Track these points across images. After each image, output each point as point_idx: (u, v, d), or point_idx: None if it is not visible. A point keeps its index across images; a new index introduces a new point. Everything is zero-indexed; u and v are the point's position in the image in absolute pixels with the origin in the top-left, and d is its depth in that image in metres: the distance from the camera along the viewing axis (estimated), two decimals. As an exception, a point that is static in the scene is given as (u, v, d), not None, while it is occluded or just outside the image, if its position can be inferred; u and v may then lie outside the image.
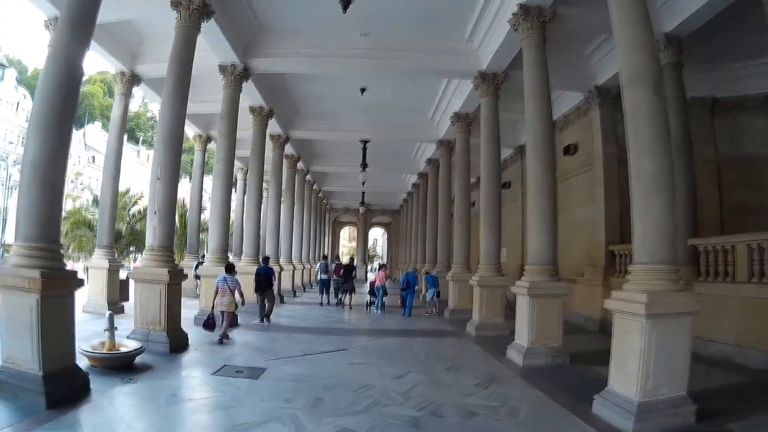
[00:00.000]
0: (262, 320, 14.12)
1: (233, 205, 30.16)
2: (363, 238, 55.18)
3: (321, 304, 19.99)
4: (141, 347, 8.42)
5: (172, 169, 10.33)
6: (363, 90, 17.74)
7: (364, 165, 23.07)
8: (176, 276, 9.96)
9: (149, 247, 10.09)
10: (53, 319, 6.31)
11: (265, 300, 14.37)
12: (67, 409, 6.01)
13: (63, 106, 6.76)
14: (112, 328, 8.24)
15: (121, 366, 7.96)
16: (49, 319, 6.22)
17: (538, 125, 10.51)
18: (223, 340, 10.86)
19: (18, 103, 59.31)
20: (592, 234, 15.56)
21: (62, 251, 6.84)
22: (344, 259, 25.21)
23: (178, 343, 9.73)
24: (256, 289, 14.36)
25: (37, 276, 6.09)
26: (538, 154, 10.44)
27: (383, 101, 19.22)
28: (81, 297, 14.32)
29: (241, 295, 11.79)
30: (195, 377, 7.97)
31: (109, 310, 12.94)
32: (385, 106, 19.82)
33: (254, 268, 15.29)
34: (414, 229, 32.01)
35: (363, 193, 36.36)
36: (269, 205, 20.89)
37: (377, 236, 76.11)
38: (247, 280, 15.57)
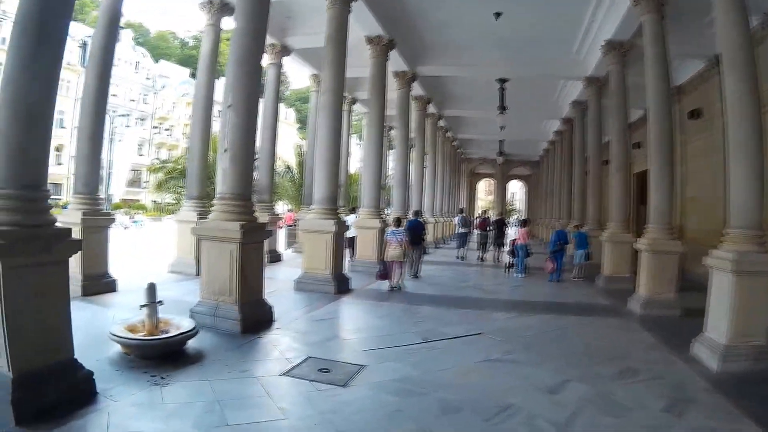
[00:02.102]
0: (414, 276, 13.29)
1: (360, 153, 28.34)
2: (500, 191, 51.06)
3: (457, 257, 19.10)
4: (192, 329, 6.29)
5: (247, 95, 7.92)
6: (498, 15, 14.44)
7: (502, 107, 19.77)
8: (253, 233, 7.71)
9: (219, 195, 7.94)
10: (27, 299, 4.30)
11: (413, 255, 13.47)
12: (40, 429, 4.06)
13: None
14: (153, 304, 6.18)
15: (161, 355, 5.90)
16: (17, 298, 4.21)
17: (735, 32, 7.07)
18: (394, 288, 11.41)
19: (137, 63, 61.41)
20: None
21: (49, 200, 4.76)
22: (490, 214, 22.97)
23: (254, 320, 7.56)
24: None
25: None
26: (738, 74, 7.01)
27: (520, 31, 15.53)
28: (168, 255, 13.05)
29: (408, 246, 12.09)
30: (256, 378, 5.63)
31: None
32: (522, 38, 16.12)
33: (374, 223, 13.83)
34: (557, 182, 28.11)
35: (500, 141, 32.90)
36: (397, 153, 18.54)
37: (515, 189, 71.89)
38: (363, 236, 14.04)
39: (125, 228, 33.89)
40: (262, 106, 15.99)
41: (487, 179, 57.17)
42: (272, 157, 16.44)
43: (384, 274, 11.43)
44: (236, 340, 6.94)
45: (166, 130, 65.11)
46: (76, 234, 8.74)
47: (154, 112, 62.95)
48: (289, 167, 24.88)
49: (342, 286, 10.91)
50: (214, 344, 6.63)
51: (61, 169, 45.96)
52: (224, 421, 4.52)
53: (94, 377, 4.83)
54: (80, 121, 9.32)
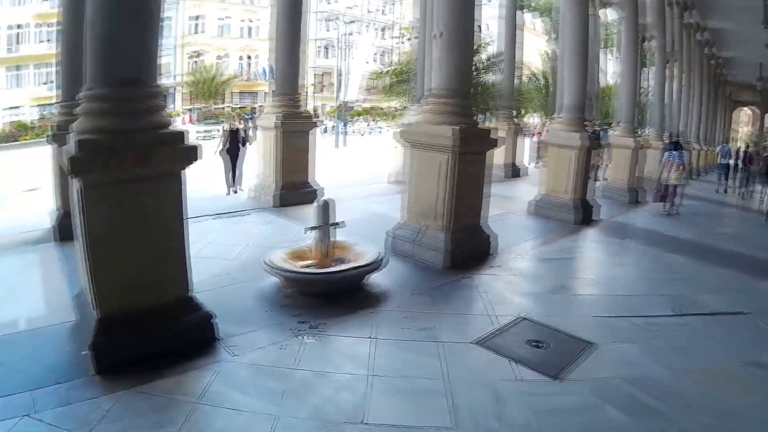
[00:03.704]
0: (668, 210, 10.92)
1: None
2: (761, 123, 42.51)
3: (717, 191, 16.73)
4: (372, 263, 4.79)
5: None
6: None
7: (768, 20, 14.33)
8: (472, 140, 5.76)
9: (430, 91, 6.18)
10: (118, 224, 3.31)
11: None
12: (120, 383, 3.17)
13: None
14: (325, 226, 4.87)
15: (326, 292, 4.61)
16: (104, 222, 3.26)
17: None
18: (671, 211, 10.33)
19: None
20: None
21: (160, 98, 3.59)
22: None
23: (465, 253, 5.81)
24: None
25: (72, 152, 3.14)
26: None
27: None
28: (387, 164, 11.90)
29: (688, 171, 11.73)
30: (439, 344, 3.92)
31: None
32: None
33: (628, 142, 11.29)
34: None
35: (761, 63, 25.18)
36: (653, 66, 15.29)
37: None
38: (615, 157, 11.66)
39: (362, 135, 34.51)
40: (500, 9, 14.27)
41: (746, 107, 46.63)
42: (513, 60, 14.02)
43: (660, 196, 10.49)
44: (435, 278, 5.35)
45: (408, 39, 64.60)
46: (270, 138, 8.12)
47: (394, 22, 62.73)
48: (535, 75, 22.48)
49: (585, 214, 8.52)
50: (404, 281, 5.18)
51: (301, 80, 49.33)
52: (360, 415, 3.02)
53: (214, 321, 3.75)
54: (277, 22, 8.34)
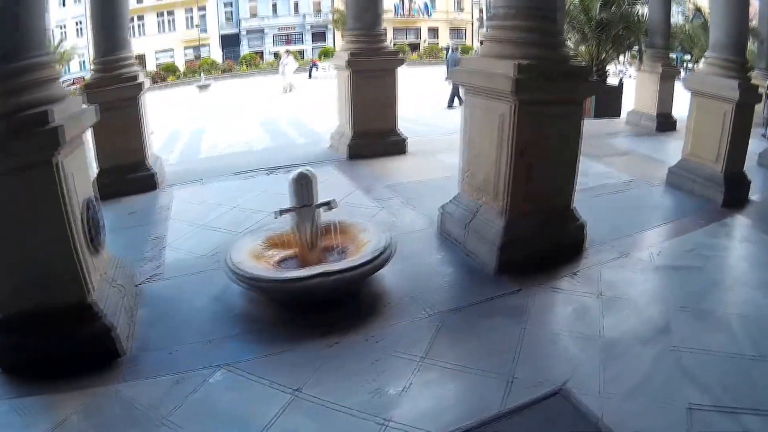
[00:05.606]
0: None
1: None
2: None
3: None
4: (377, 256, 3.58)
5: None
6: None
7: None
8: (561, 81, 4.04)
9: (491, 15, 4.52)
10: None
11: None
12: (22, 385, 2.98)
13: None
14: (303, 208, 3.70)
15: (300, 300, 3.60)
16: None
17: None
18: None
19: None
20: None
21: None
22: None
23: (537, 250, 4.21)
24: None
25: None
26: None
27: None
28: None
29: None
30: None
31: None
32: None
33: None
34: None
35: None
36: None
37: None
38: None
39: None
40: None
41: None
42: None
43: None
44: (473, 288, 3.92)
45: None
46: (343, 79, 7.15)
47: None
48: (699, 10, 18.95)
49: (736, 193, 5.89)
50: (425, 288, 3.87)
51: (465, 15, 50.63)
52: None
53: (114, 333, 3.13)
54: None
